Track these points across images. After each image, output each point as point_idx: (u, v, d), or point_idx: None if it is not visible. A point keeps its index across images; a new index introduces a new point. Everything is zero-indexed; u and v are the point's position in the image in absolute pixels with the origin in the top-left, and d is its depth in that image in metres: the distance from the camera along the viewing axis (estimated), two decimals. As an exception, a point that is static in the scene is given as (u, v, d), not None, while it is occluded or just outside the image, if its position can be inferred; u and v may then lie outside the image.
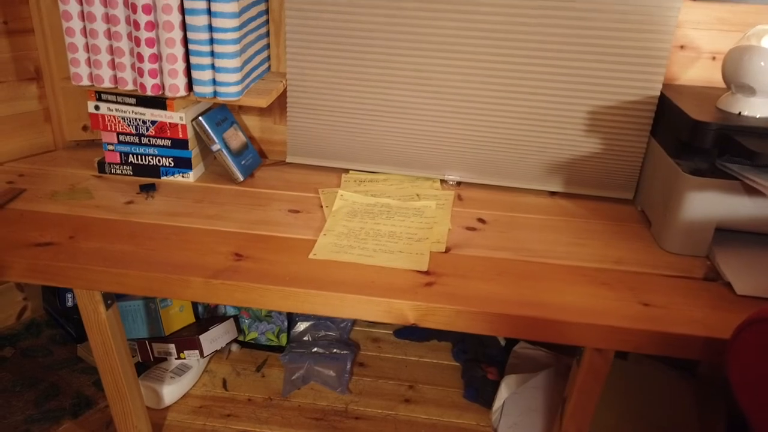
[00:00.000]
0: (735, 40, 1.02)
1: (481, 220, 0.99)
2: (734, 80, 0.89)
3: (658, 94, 1.00)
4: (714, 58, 1.04)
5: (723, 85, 1.04)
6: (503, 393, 1.03)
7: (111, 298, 0.85)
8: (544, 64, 1.01)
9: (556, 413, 1.01)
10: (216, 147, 1.05)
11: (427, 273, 0.82)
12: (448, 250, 0.89)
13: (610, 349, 0.76)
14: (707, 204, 0.87)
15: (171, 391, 1.06)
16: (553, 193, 1.11)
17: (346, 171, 1.15)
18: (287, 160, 1.17)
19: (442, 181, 1.13)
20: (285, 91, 1.10)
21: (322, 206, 1.00)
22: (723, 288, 0.83)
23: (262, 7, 1.05)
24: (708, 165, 0.88)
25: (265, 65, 1.11)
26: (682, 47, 1.04)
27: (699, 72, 1.05)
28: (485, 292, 0.78)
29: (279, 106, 1.16)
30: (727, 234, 0.91)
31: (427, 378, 1.17)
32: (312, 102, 1.10)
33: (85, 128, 1.19)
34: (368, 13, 1.01)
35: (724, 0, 1.00)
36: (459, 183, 1.13)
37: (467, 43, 1.01)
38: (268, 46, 1.11)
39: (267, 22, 1.09)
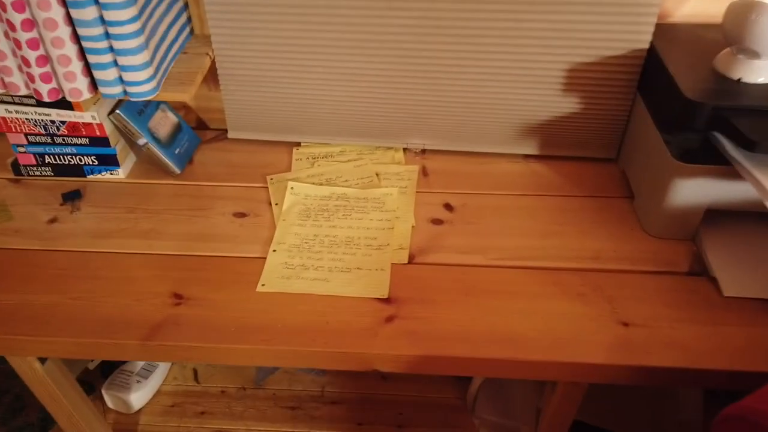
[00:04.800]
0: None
1: (448, 207, 0.89)
2: (736, 41, 0.75)
3: (647, 47, 0.86)
4: (713, -10, 0.88)
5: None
6: (477, 378, 1.01)
7: (47, 350, 0.78)
8: (513, 11, 0.84)
9: (533, 399, 1.00)
10: (142, 141, 0.91)
11: (387, 301, 0.75)
12: (411, 258, 0.81)
13: (586, 382, 0.71)
14: (698, 189, 0.77)
15: (139, 397, 1.03)
16: (527, 156, 1.00)
17: (297, 145, 1.02)
18: (229, 136, 1.03)
19: (405, 149, 1.01)
20: (213, 62, 0.94)
21: (270, 203, 0.90)
22: (708, 286, 0.76)
23: (169, -36, 0.86)
24: (700, 143, 0.76)
25: (185, 32, 0.94)
26: (676, -20, 0.87)
27: (695, 5, 0.90)
28: (450, 325, 0.71)
29: (211, 73, 0.99)
30: (717, 212, 0.82)
31: (404, 346, 1.15)
32: (248, 73, 0.94)
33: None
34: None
35: None
36: (424, 150, 1.01)
37: (422, -7, 0.84)
38: (185, 6, 0.92)
39: (179, -21, 0.90)
